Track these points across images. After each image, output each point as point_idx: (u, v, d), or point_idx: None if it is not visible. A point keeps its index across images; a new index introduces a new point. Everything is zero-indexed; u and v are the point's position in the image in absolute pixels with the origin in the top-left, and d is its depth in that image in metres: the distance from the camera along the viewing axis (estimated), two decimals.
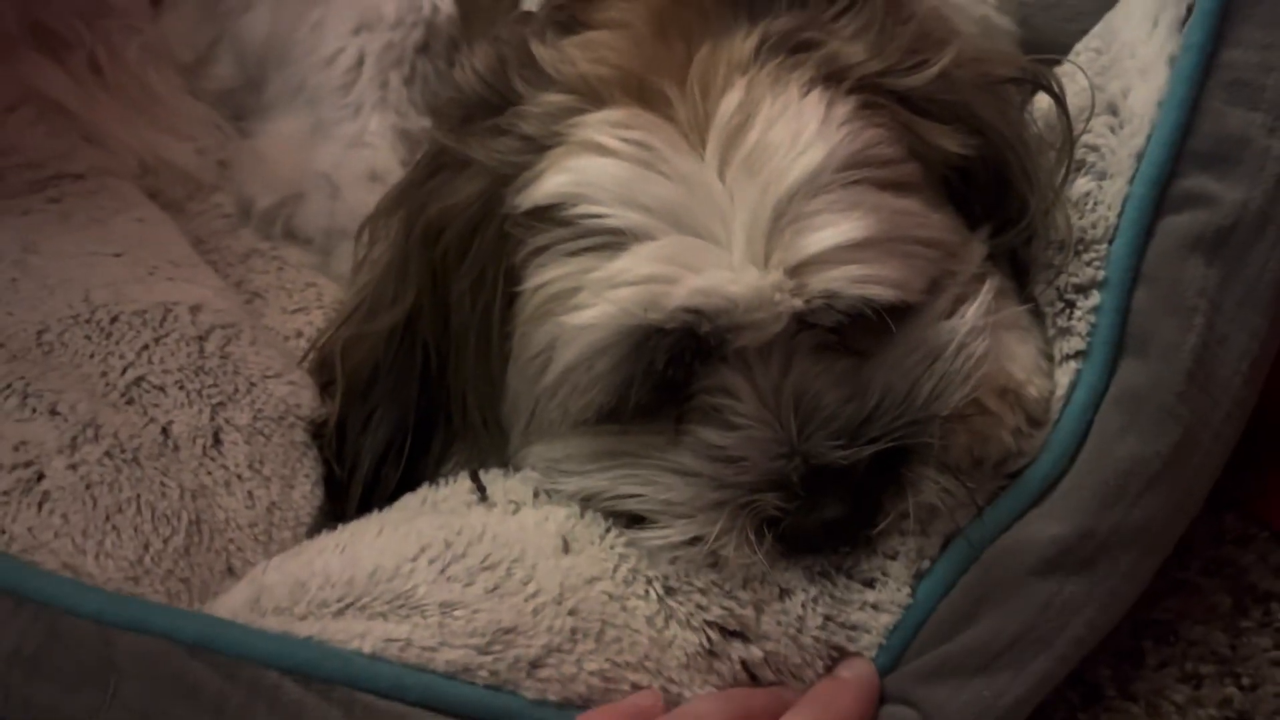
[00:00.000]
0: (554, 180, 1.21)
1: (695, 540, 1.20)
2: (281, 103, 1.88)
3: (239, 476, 1.35)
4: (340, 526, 1.30)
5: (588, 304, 1.19)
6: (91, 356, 1.39)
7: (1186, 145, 1.27)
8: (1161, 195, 1.27)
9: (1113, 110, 1.33)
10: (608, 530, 1.24)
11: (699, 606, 1.20)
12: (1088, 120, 1.34)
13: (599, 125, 1.21)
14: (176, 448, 1.34)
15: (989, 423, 1.24)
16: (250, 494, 1.35)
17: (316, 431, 1.42)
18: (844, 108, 1.21)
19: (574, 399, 1.23)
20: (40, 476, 1.26)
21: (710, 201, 1.17)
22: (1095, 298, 1.27)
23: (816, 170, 1.17)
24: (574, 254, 1.20)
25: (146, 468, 1.31)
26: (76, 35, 1.85)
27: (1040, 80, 1.37)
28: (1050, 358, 1.30)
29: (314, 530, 1.35)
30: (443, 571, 1.19)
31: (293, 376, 1.45)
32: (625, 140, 1.19)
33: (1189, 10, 1.30)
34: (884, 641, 1.25)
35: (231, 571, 1.30)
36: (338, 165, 1.79)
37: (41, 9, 1.84)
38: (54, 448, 1.28)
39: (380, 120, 1.82)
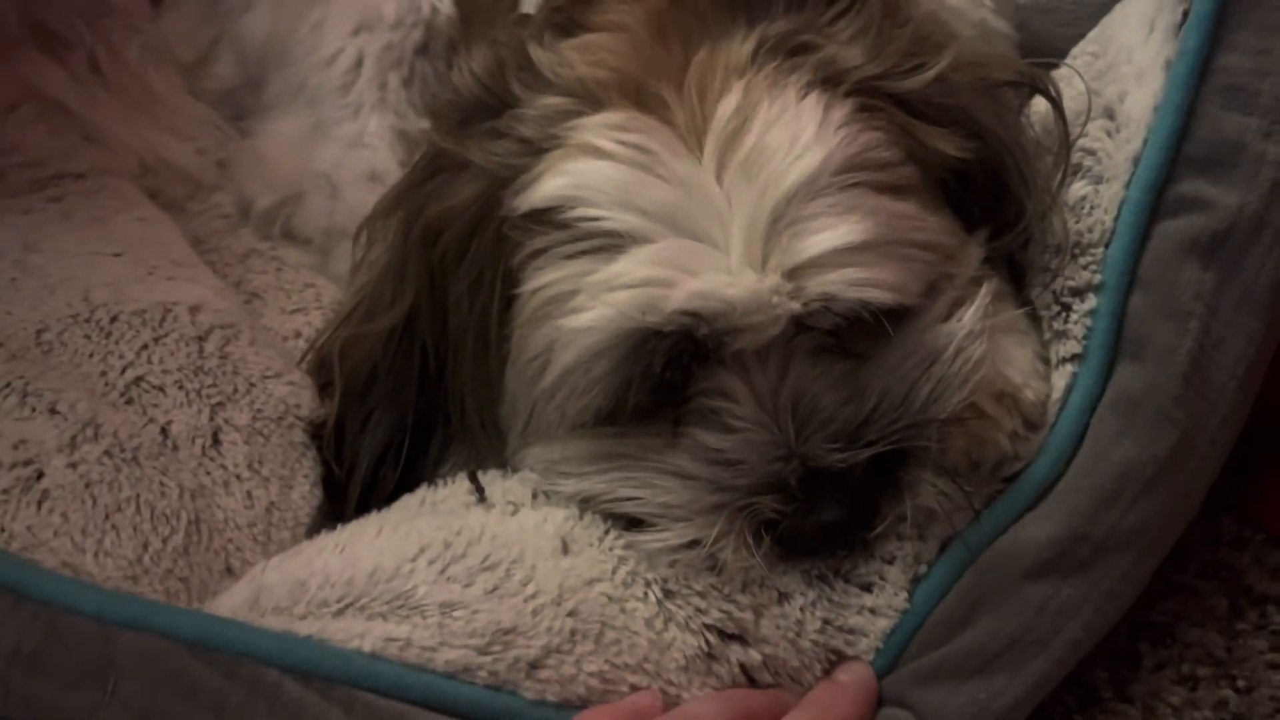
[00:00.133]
0: (552, 183, 1.21)
1: (693, 543, 1.20)
2: (281, 103, 1.88)
3: (238, 476, 1.36)
4: (339, 527, 1.30)
5: (585, 307, 1.19)
6: (91, 356, 1.39)
7: (1182, 150, 1.27)
8: (1157, 200, 1.27)
9: (1109, 114, 1.33)
10: (606, 532, 1.24)
11: (698, 610, 1.20)
12: (1084, 124, 1.34)
13: (597, 128, 1.21)
14: (176, 447, 1.34)
15: (986, 426, 1.24)
16: (249, 494, 1.35)
17: (315, 432, 1.43)
18: (841, 111, 1.22)
19: (572, 401, 1.23)
20: (40, 475, 1.26)
21: (708, 204, 1.17)
22: (1091, 301, 1.27)
23: (814, 173, 1.17)
24: (572, 257, 1.20)
25: (146, 467, 1.31)
26: (77, 35, 1.85)
27: (1037, 84, 1.37)
28: (1047, 361, 1.30)
29: (313, 530, 1.35)
30: (442, 572, 1.19)
31: (292, 377, 1.46)
32: (623, 143, 1.19)
33: (1185, 15, 1.29)
34: (881, 645, 1.25)
35: (230, 571, 1.30)
36: (337, 165, 1.80)
37: (42, 9, 1.84)
38: (53, 446, 1.28)
39: (379, 121, 1.82)
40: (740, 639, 1.21)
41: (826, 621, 1.23)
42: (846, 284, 1.17)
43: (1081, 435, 1.25)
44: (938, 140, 1.27)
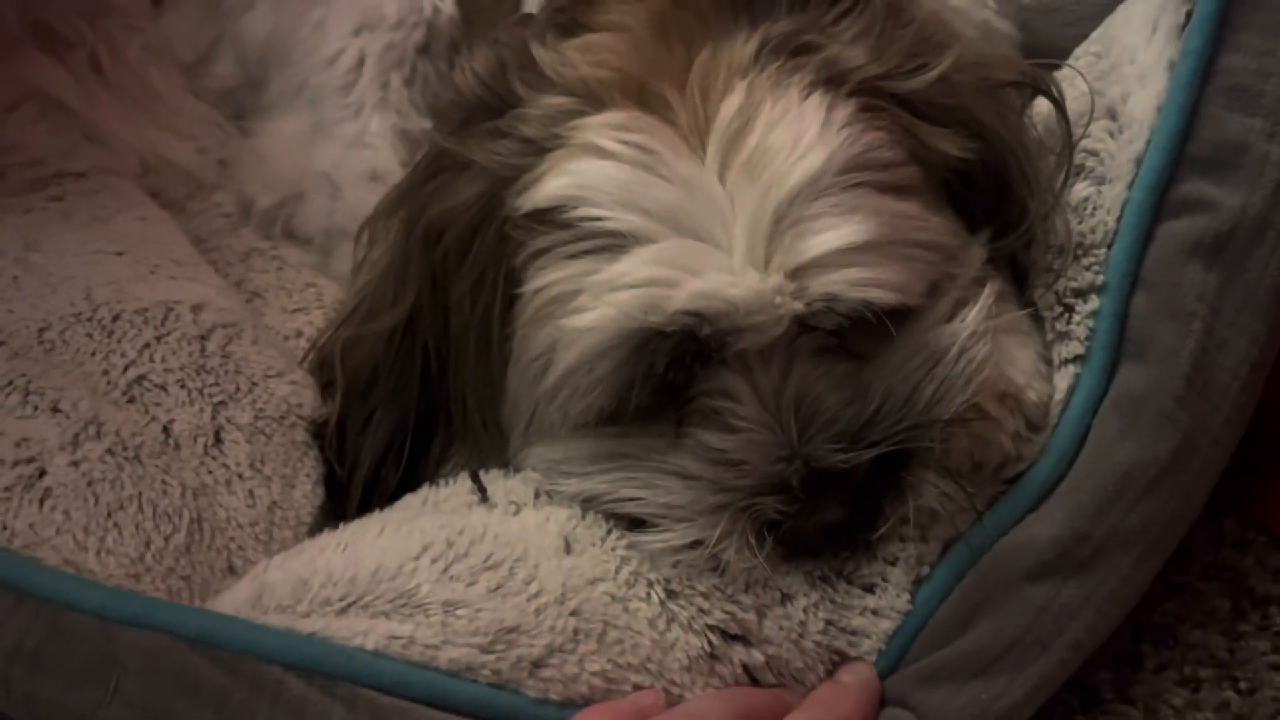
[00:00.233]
0: (554, 183, 1.21)
1: (696, 544, 1.20)
2: (282, 102, 1.88)
3: (240, 475, 1.36)
4: (341, 525, 1.30)
5: (588, 307, 1.19)
6: (93, 354, 1.40)
7: (1185, 151, 1.27)
8: (1160, 200, 1.27)
9: (1112, 115, 1.33)
10: (609, 532, 1.24)
11: (701, 610, 1.20)
12: (1087, 125, 1.34)
13: (599, 128, 1.21)
14: (178, 446, 1.34)
15: (989, 427, 1.24)
16: (251, 493, 1.35)
17: (317, 431, 1.43)
18: (844, 111, 1.22)
19: (574, 401, 1.23)
20: (42, 473, 1.26)
21: (711, 204, 1.17)
22: (1094, 302, 1.27)
23: (817, 173, 1.17)
24: (574, 256, 1.20)
25: (148, 466, 1.31)
26: (78, 34, 1.86)
27: (1040, 84, 1.37)
28: (1050, 362, 1.30)
29: (315, 530, 1.35)
30: (445, 571, 1.19)
31: (294, 376, 1.46)
32: (625, 143, 1.19)
33: (1188, 16, 1.29)
34: (883, 647, 1.25)
35: (232, 570, 1.30)
36: (338, 165, 1.80)
37: (43, 8, 1.84)
38: (56, 445, 1.29)
39: (381, 121, 1.82)
40: (743, 640, 1.21)
41: (829, 622, 1.23)
42: (849, 284, 1.17)
43: (1084, 436, 1.25)
44: (940, 140, 1.27)
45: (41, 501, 1.25)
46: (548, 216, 1.22)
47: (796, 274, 1.16)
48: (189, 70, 1.95)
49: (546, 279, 1.22)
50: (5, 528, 1.22)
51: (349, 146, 1.81)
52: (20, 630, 1.14)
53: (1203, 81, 1.27)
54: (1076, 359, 1.27)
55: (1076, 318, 1.28)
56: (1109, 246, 1.28)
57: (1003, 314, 1.28)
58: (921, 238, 1.22)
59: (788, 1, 1.28)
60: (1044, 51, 1.47)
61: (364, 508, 1.35)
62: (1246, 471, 1.34)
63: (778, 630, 1.22)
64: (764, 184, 1.17)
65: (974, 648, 1.22)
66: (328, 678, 1.13)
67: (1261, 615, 1.45)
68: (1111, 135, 1.32)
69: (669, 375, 1.20)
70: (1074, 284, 1.29)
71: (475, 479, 1.31)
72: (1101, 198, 1.30)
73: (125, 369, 1.39)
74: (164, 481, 1.31)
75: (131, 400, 1.37)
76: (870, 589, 1.25)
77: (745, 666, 1.21)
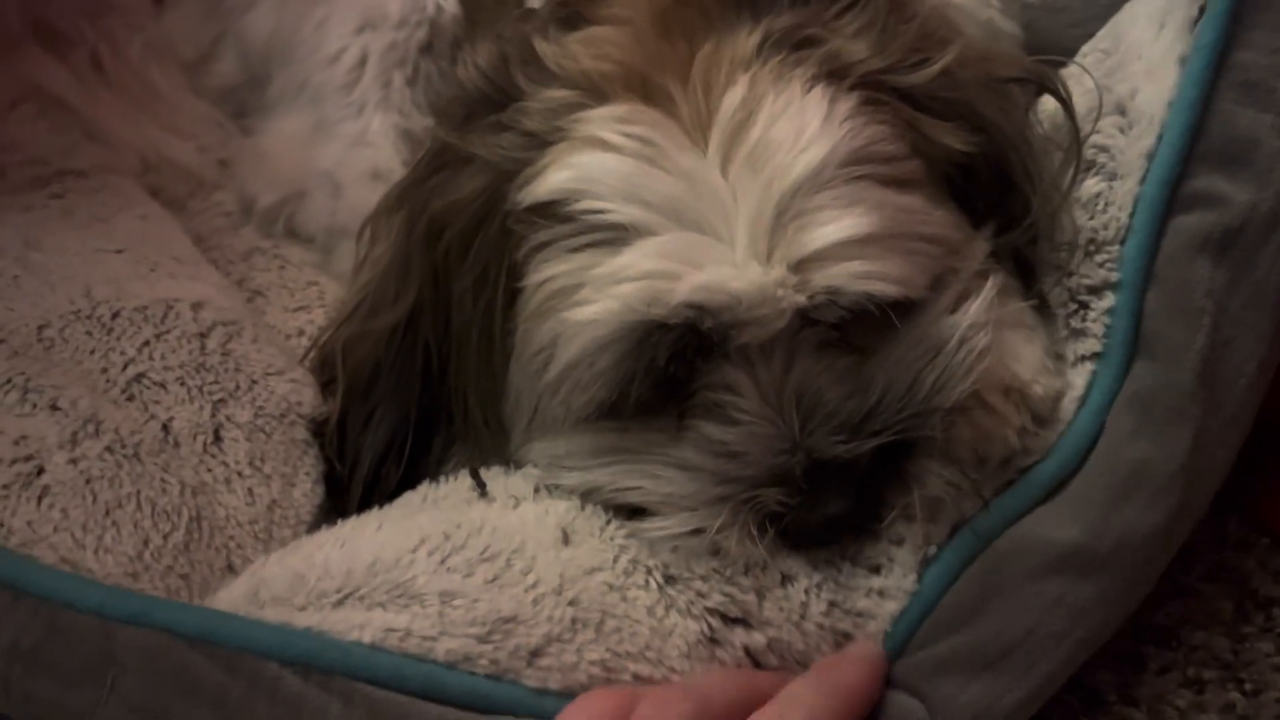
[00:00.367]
0: (556, 176, 1.21)
1: (697, 532, 1.20)
2: (284, 101, 1.88)
3: (239, 474, 1.35)
4: (340, 522, 1.30)
5: (590, 300, 1.19)
6: (92, 352, 1.39)
7: (1197, 146, 1.27)
8: (1172, 196, 1.27)
9: (1121, 111, 1.33)
10: (608, 522, 1.24)
11: (699, 594, 1.20)
12: (1096, 121, 1.34)
13: (602, 121, 1.21)
14: (177, 444, 1.34)
15: (994, 422, 1.24)
16: (251, 491, 1.35)
17: (317, 429, 1.42)
18: (846, 104, 1.22)
19: (576, 395, 1.23)
20: (40, 471, 1.26)
21: (713, 197, 1.17)
22: (1109, 299, 1.27)
23: (819, 166, 1.17)
24: (576, 250, 1.20)
25: (147, 464, 1.30)
26: (79, 32, 1.86)
27: (1044, 81, 1.37)
28: (1058, 357, 1.30)
29: (314, 528, 1.35)
30: (442, 562, 1.19)
31: (294, 374, 1.45)
32: (628, 136, 1.19)
33: (1201, 10, 1.29)
34: (889, 629, 1.24)
35: (231, 569, 1.30)
36: (340, 164, 1.79)
37: (44, 6, 1.84)
38: (54, 443, 1.28)
39: (383, 119, 1.81)
40: (744, 623, 1.21)
41: (833, 604, 1.23)
42: (852, 276, 1.17)
43: (1097, 433, 1.25)
44: (942, 134, 1.27)
45: (39, 499, 1.24)
46: (550, 210, 1.22)
47: (799, 267, 1.16)
48: (190, 69, 1.95)
49: (548, 273, 1.22)
50: (2, 526, 1.21)
51: (351, 145, 1.81)
52: (17, 629, 1.13)
53: (1215, 77, 1.27)
54: (1094, 356, 1.27)
55: (1092, 314, 1.28)
56: (1122, 243, 1.28)
57: (1006, 306, 1.28)
58: (924, 231, 1.22)
59: None
60: (1049, 51, 1.46)
61: (364, 506, 1.34)
62: (1250, 472, 1.34)
63: (778, 612, 1.21)
64: (766, 177, 1.17)
65: (985, 637, 1.22)
66: (324, 673, 1.13)
67: (1265, 616, 1.45)
68: (1122, 131, 1.32)
69: (670, 369, 1.19)
70: (1087, 281, 1.29)
71: (475, 476, 1.31)
72: (1113, 193, 1.30)
73: (125, 367, 1.38)
74: (163, 479, 1.30)
75: (131, 398, 1.36)
76: (876, 570, 1.25)
77: (747, 649, 1.21)
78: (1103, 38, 1.44)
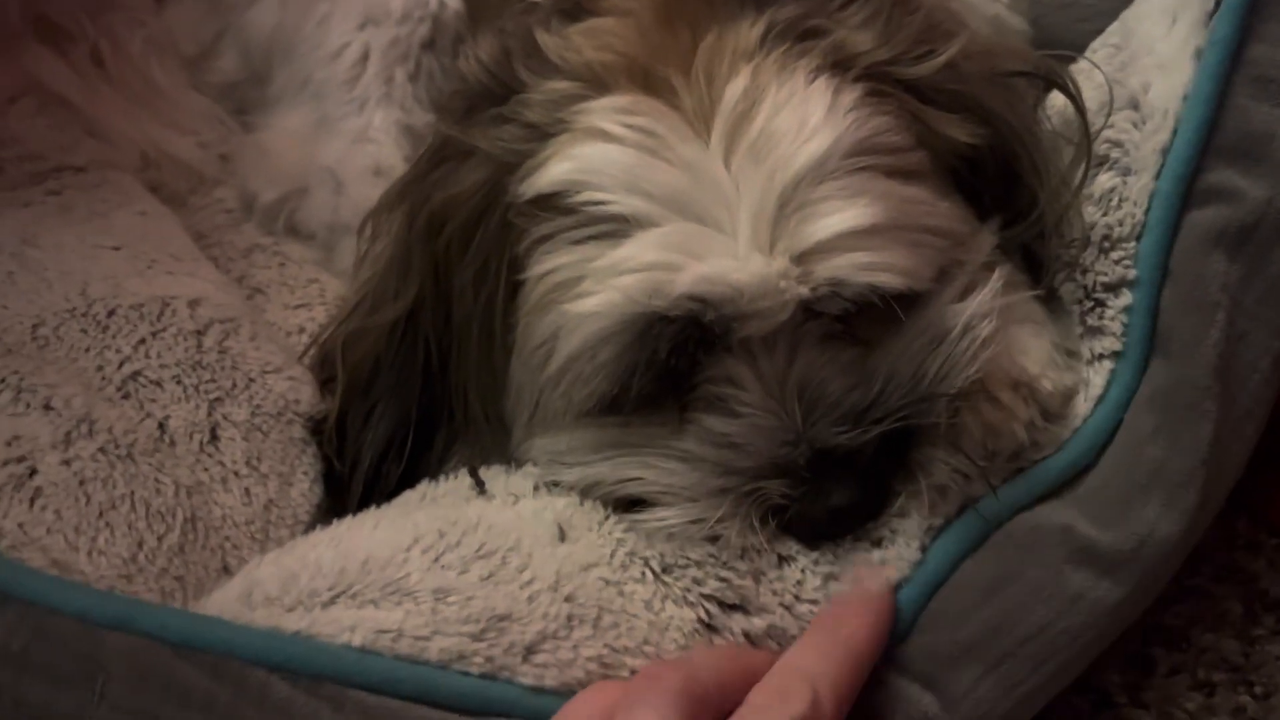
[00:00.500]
0: (558, 168, 1.21)
1: (698, 522, 1.20)
2: (286, 97, 1.87)
3: (236, 473, 1.35)
4: (337, 522, 1.29)
5: (591, 292, 1.18)
6: (87, 350, 1.39)
7: (1212, 141, 1.26)
8: (1188, 191, 1.26)
9: (1134, 106, 1.32)
10: (606, 517, 1.23)
11: (695, 580, 1.19)
12: (1108, 116, 1.33)
13: (603, 112, 1.21)
14: (173, 443, 1.33)
15: (1001, 416, 1.23)
16: (247, 491, 1.34)
17: (315, 428, 1.42)
18: (850, 95, 1.21)
19: (577, 388, 1.22)
20: (33, 472, 1.25)
21: (715, 188, 1.16)
22: (1127, 297, 1.27)
23: (823, 157, 1.17)
24: (578, 242, 1.20)
25: (141, 464, 1.30)
26: (80, 28, 1.86)
27: (1051, 75, 1.37)
28: (1070, 353, 1.29)
29: (312, 528, 1.33)
30: (436, 560, 1.18)
31: (292, 372, 1.45)
32: (630, 127, 1.19)
33: (1216, 5, 1.28)
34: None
35: (227, 570, 1.29)
36: (342, 160, 1.78)
37: (45, 2, 1.84)
38: (48, 443, 1.27)
39: (385, 116, 1.81)
40: (741, 609, 1.20)
41: (830, 577, 1.22)
42: (856, 268, 1.17)
43: (1114, 429, 1.25)
44: (948, 126, 1.26)
45: (32, 501, 1.23)
46: (551, 202, 1.22)
47: (802, 258, 1.16)
48: (191, 64, 1.95)
49: (550, 265, 1.22)
50: None
51: (353, 141, 1.80)
52: (6, 631, 1.12)
53: (1230, 71, 1.27)
54: (1113, 354, 1.27)
55: (1110, 312, 1.28)
56: (1138, 239, 1.27)
57: (1012, 298, 1.27)
58: (929, 223, 1.22)
59: None
60: (1057, 47, 1.46)
61: (365, 504, 1.33)
62: (1259, 472, 1.32)
63: (775, 597, 1.21)
64: (769, 167, 1.16)
65: (1000, 626, 1.21)
66: (313, 678, 1.11)
67: (1275, 619, 1.46)
68: (1135, 126, 1.31)
69: (672, 361, 1.19)
70: (1104, 278, 1.28)
71: (474, 474, 1.30)
72: (1128, 189, 1.29)
73: (120, 365, 1.38)
74: (157, 480, 1.29)
75: (126, 396, 1.36)
76: (878, 543, 1.24)
77: (746, 635, 1.20)
78: (1113, 32, 1.43)
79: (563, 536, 1.21)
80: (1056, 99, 1.38)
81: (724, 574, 1.20)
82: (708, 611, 1.19)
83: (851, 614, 1.18)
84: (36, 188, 1.65)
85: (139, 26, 1.90)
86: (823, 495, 1.18)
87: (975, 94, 1.29)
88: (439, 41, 1.83)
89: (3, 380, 1.32)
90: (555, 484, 1.27)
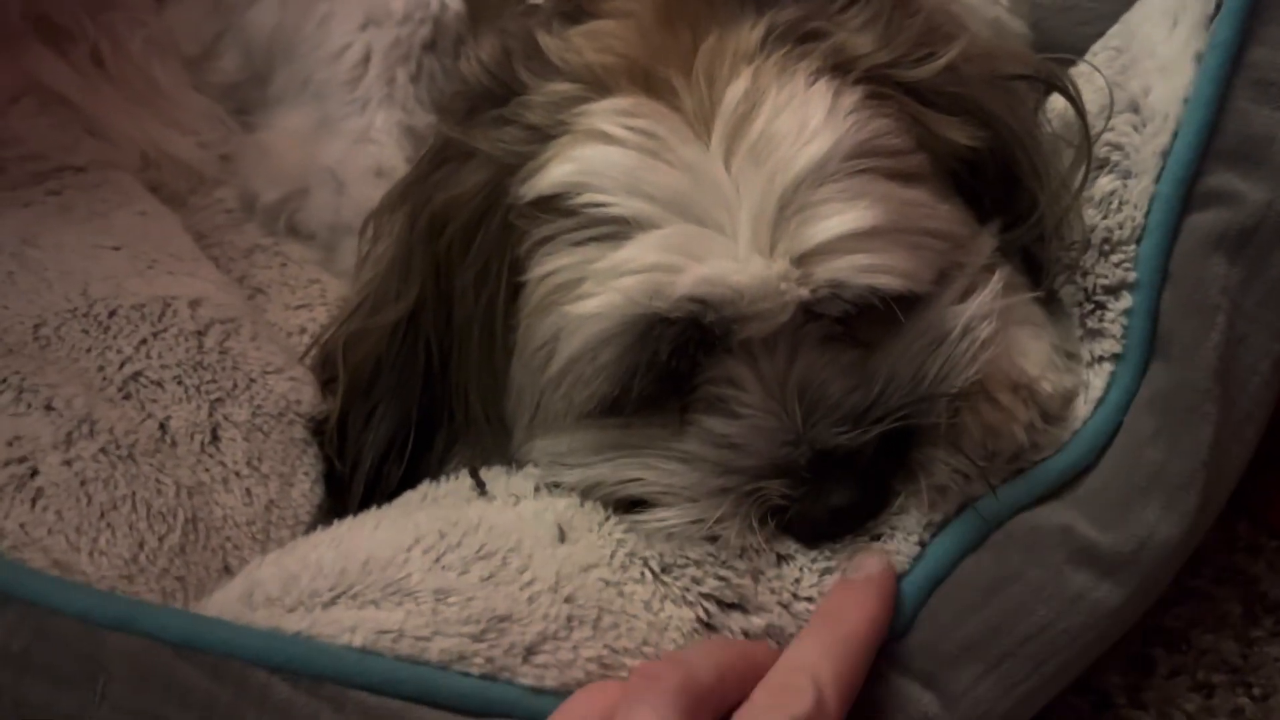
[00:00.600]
0: (559, 169, 1.21)
1: (698, 522, 1.20)
2: (287, 97, 1.87)
3: (237, 474, 1.35)
4: (338, 522, 1.29)
5: (592, 293, 1.18)
6: (89, 351, 1.38)
7: (1212, 144, 1.26)
8: (1188, 194, 1.26)
9: (1134, 109, 1.32)
10: (606, 518, 1.23)
11: (694, 580, 1.20)
12: (1108, 119, 1.33)
13: (604, 114, 1.20)
14: (174, 444, 1.33)
15: (1001, 417, 1.23)
16: (248, 491, 1.34)
17: (317, 428, 1.42)
18: (851, 97, 1.21)
19: (578, 390, 1.22)
20: (34, 472, 1.25)
21: (715, 190, 1.16)
22: (1127, 300, 1.27)
23: (823, 159, 1.17)
24: (579, 243, 1.20)
25: (142, 464, 1.30)
26: (80, 28, 1.86)
27: (1052, 78, 1.37)
28: (1070, 356, 1.30)
29: (313, 528, 1.33)
30: (437, 560, 1.18)
31: (293, 372, 1.45)
32: (630, 129, 1.19)
33: (1217, 8, 1.28)
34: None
35: (228, 570, 1.29)
36: (343, 161, 1.79)
37: (46, 1, 1.84)
38: (49, 443, 1.27)
39: (386, 116, 1.81)
40: (740, 607, 1.20)
41: (828, 571, 1.22)
42: (856, 270, 1.17)
43: (1114, 431, 1.25)
44: (948, 129, 1.26)
45: (33, 501, 1.23)
46: (552, 204, 1.22)
47: (802, 260, 1.16)
48: (192, 64, 1.95)
49: (550, 266, 1.22)
50: None
51: (354, 142, 1.80)
52: (6, 633, 1.12)
53: (1230, 74, 1.27)
54: (1113, 357, 1.27)
55: (1110, 315, 1.28)
56: (1138, 242, 1.27)
57: (1012, 300, 1.27)
58: (929, 225, 1.22)
59: None
60: (1058, 50, 1.46)
61: (365, 505, 1.33)
62: (1259, 475, 1.33)
63: (773, 596, 1.21)
64: (769, 169, 1.16)
65: (1000, 625, 1.21)
66: (314, 679, 1.11)
67: (1275, 620, 1.46)
68: (1136, 129, 1.31)
69: (673, 363, 1.19)
70: (1104, 281, 1.28)
71: (475, 475, 1.30)
72: (1128, 191, 1.29)
73: (121, 365, 1.38)
74: (158, 480, 1.29)
75: (127, 397, 1.36)
76: (878, 539, 1.24)
77: (745, 634, 1.20)
78: (1113, 35, 1.43)
79: (563, 537, 1.21)
80: (1057, 102, 1.38)
81: (722, 573, 1.20)
82: (706, 611, 1.19)
83: (853, 603, 1.18)
84: (37, 187, 1.65)
85: (140, 26, 1.90)
86: (823, 495, 1.18)
87: (975, 97, 1.29)
88: (440, 43, 1.83)
89: (4, 380, 1.32)
90: (556, 485, 1.27)
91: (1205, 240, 1.24)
